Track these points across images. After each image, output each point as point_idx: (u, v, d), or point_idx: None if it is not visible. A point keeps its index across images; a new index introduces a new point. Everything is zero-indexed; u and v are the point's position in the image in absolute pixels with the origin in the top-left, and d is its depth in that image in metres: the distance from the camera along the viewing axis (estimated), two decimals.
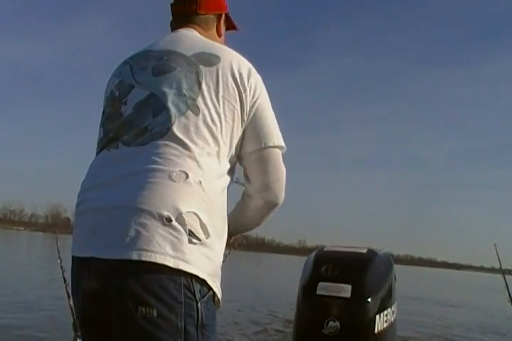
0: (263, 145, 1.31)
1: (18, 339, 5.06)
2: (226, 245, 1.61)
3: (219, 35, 1.48)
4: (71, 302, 2.28)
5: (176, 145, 1.18)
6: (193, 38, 1.37)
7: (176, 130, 1.19)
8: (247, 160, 1.32)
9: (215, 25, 1.47)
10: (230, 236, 1.52)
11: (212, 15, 1.45)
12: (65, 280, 2.24)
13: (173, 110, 1.22)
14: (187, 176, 1.15)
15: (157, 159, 1.16)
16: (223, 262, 1.82)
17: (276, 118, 1.39)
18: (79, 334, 2.22)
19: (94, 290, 1.14)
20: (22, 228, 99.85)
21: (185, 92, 1.24)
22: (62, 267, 2.35)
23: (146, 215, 1.10)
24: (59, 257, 2.49)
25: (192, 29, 1.41)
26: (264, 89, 1.34)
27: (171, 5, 1.47)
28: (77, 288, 1.21)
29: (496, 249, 2.54)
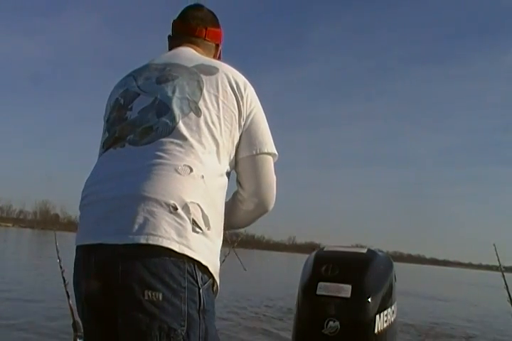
0: (256, 152, 1.39)
1: (17, 339, 5.04)
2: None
3: None
4: (70, 302, 2.28)
5: (180, 143, 1.26)
6: (192, 54, 1.49)
7: (180, 129, 1.27)
8: (240, 165, 1.40)
9: (213, 53, 1.60)
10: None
11: (213, 44, 1.59)
12: (64, 280, 2.24)
13: (177, 111, 1.30)
14: (191, 170, 1.22)
15: (163, 154, 1.24)
16: (223, 261, 1.84)
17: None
18: (79, 334, 2.22)
19: (100, 277, 1.19)
20: (10, 224, 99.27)
21: (188, 96, 1.32)
22: (61, 267, 2.35)
23: (154, 203, 1.17)
24: (58, 257, 2.49)
25: (192, 49, 1.51)
26: (258, 100, 1.44)
27: (175, 21, 1.58)
28: (81, 275, 1.26)
29: (495, 249, 2.54)
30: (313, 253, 1.96)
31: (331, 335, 1.71)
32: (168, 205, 1.17)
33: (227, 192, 1.40)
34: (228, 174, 1.37)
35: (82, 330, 1.35)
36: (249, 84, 1.42)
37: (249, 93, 1.40)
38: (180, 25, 1.58)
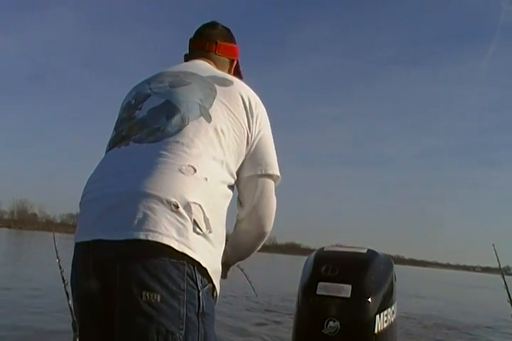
0: (261, 172, 1.37)
1: (17, 339, 5.02)
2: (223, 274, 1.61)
3: None
4: (70, 302, 2.28)
5: (186, 143, 1.24)
6: (207, 66, 1.49)
7: (188, 130, 1.26)
8: (242, 183, 1.38)
9: (228, 68, 1.59)
10: (228, 265, 1.53)
11: (227, 59, 1.59)
12: (63, 280, 2.23)
13: (186, 114, 1.29)
14: (195, 171, 1.21)
15: (167, 153, 1.22)
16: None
17: None
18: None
19: (99, 276, 1.17)
20: None
21: (200, 102, 1.31)
22: (60, 267, 2.35)
23: (155, 200, 1.15)
24: (57, 256, 2.47)
25: (205, 62, 1.52)
26: (268, 120, 1.43)
27: (190, 40, 1.61)
28: (80, 274, 1.24)
29: (494, 249, 2.54)
30: (313, 253, 1.96)
31: (331, 335, 1.71)
32: (170, 203, 1.15)
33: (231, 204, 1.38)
34: (231, 187, 1.35)
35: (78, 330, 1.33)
36: (260, 104, 1.42)
37: (260, 113, 1.39)
38: (193, 41, 1.61)
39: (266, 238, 1.46)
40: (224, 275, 1.53)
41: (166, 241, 1.12)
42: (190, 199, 1.17)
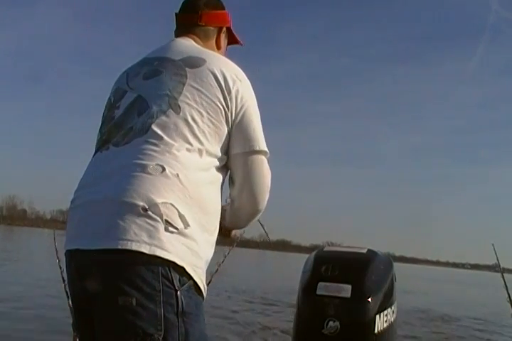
0: (248, 149, 1.34)
1: (17, 339, 5.02)
2: (227, 239, 1.62)
3: (218, 48, 1.53)
4: (70, 302, 2.27)
5: (155, 142, 1.23)
6: (185, 45, 1.43)
7: (156, 127, 1.25)
8: (231, 162, 1.36)
9: (215, 38, 1.52)
10: (228, 229, 1.54)
11: (212, 28, 1.52)
12: (63, 280, 2.23)
13: (155, 109, 1.27)
14: (163, 169, 1.19)
15: (137, 155, 1.22)
16: (222, 262, 1.81)
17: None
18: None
19: (80, 282, 1.20)
20: None
21: (169, 92, 1.29)
22: (60, 267, 2.34)
23: (123, 206, 1.15)
24: (57, 257, 2.45)
25: (189, 38, 1.47)
26: (253, 94, 1.38)
27: (176, 14, 1.55)
28: (69, 278, 1.28)
29: (494, 249, 2.55)
30: (313, 253, 1.96)
31: (331, 335, 1.72)
32: (138, 207, 1.14)
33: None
34: (219, 169, 1.33)
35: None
36: (240, 78, 1.35)
37: (240, 88, 1.33)
38: (178, 16, 1.54)
39: (260, 214, 1.44)
40: (228, 236, 1.58)
41: (135, 247, 1.12)
42: (159, 199, 1.16)
